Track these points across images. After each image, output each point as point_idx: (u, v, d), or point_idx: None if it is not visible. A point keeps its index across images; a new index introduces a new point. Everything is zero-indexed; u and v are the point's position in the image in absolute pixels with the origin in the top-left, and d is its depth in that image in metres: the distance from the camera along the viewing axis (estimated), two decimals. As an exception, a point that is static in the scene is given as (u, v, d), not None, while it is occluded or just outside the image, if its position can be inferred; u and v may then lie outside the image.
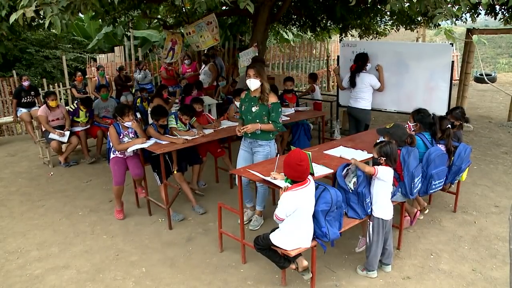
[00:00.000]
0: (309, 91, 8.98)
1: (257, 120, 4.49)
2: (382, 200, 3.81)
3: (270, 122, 4.51)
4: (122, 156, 5.20)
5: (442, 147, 4.58)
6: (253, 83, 4.43)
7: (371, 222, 3.86)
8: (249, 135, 4.59)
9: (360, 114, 6.66)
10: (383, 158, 3.73)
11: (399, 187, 4.13)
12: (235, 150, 6.90)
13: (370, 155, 4.27)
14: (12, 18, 3.88)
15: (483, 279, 3.88)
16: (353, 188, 3.76)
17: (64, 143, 7.25)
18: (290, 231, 3.45)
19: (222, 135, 5.67)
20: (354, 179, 3.76)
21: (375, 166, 3.75)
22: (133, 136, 5.16)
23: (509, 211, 4.74)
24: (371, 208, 3.85)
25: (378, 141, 3.95)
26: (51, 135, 7.14)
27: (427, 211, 5.06)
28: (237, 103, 6.18)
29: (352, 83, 6.62)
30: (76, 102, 8.00)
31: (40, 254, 4.55)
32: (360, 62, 6.54)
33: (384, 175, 3.72)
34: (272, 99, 4.49)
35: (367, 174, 3.77)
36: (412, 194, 4.13)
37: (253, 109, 4.51)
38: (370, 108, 6.68)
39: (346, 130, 8.05)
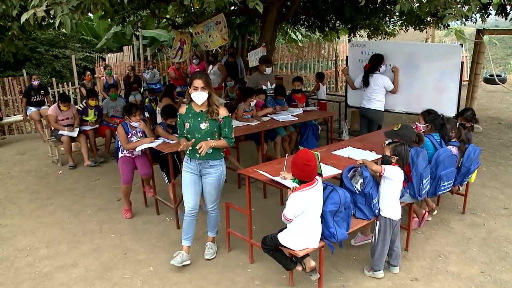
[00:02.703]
0: (314, 90, 8.98)
1: (208, 138, 3.89)
2: (390, 200, 3.79)
3: (223, 137, 3.98)
4: (130, 155, 5.22)
5: (452, 148, 4.56)
6: (202, 96, 3.82)
7: (378, 222, 3.85)
8: (198, 155, 3.92)
9: (373, 115, 6.65)
10: (396, 157, 3.72)
11: (408, 188, 4.11)
12: (243, 150, 6.95)
13: (379, 156, 4.26)
14: (23, 18, 3.92)
15: (492, 281, 3.85)
16: (360, 189, 3.75)
17: (74, 138, 7.29)
18: (298, 232, 3.45)
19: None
20: (361, 180, 3.75)
21: (382, 165, 3.74)
22: (141, 135, 5.19)
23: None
24: (379, 208, 3.84)
25: (388, 141, 3.93)
26: (61, 131, 7.21)
27: (435, 212, 5.04)
28: (251, 103, 6.19)
29: (365, 83, 6.60)
30: (84, 101, 8.05)
31: (49, 252, 4.59)
32: (375, 62, 6.52)
33: (392, 174, 3.70)
34: (223, 112, 3.93)
35: (373, 172, 3.76)
36: (421, 195, 4.11)
37: (202, 125, 3.88)
38: (383, 109, 6.68)
39: (354, 131, 8.04)
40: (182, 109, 4.03)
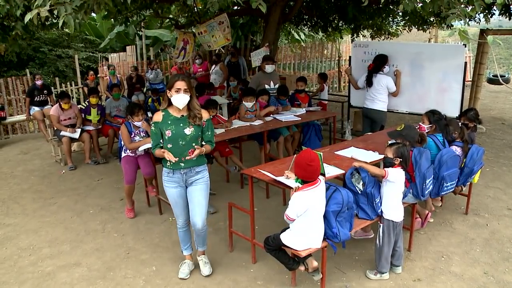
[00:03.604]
0: (318, 90, 8.98)
1: (193, 144, 3.65)
2: (392, 202, 3.78)
3: (206, 142, 3.78)
4: (133, 155, 5.23)
5: (456, 148, 4.55)
6: (184, 99, 3.54)
7: (381, 224, 3.84)
8: (182, 165, 3.68)
9: (376, 115, 6.64)
10: (399, 159, 3.71)
11: (410, 188, 4.10)
12: (246, 150, 6.95)
13: (382, 156, 4.24)
14: (27, 18, 3.93)
15: (495, 282, 3.84)
16: (362, 189, 3.74)
17: (75, 139, 7.31)
18: (301, 231, 3.44)
19: (234, 135, 5.68)
20: (362, 180, 3.74)
21: (385, 169, 3.72)
22: (144, 135, 5.20)
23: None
24: (381, 209, 3.83)
25: (390, 142, 3.92)
26: (63, 132, 7.23)
27: (440, 206, 4.99)
28: (247, 104, 6.18)
29: (369, 83, 6.59)
30: (87, 100, 8.08)
31: (52, 251, 4.60)
32: (378, 62, 6.51)
33: (395, 177, 3.69)
34: (205, 115, 3.72)
35: (375, 175, 3.74)
36: (424, 195, 4.09)
37: (187, 131, 3.61)
38: (386, 109, 6.67)
39: (357, 131, 8.02)
40: (158, 117, 3.67)
